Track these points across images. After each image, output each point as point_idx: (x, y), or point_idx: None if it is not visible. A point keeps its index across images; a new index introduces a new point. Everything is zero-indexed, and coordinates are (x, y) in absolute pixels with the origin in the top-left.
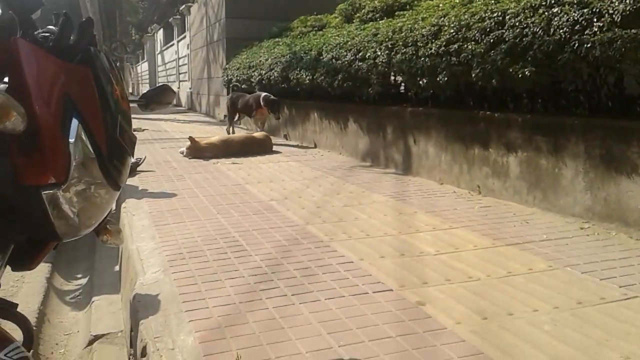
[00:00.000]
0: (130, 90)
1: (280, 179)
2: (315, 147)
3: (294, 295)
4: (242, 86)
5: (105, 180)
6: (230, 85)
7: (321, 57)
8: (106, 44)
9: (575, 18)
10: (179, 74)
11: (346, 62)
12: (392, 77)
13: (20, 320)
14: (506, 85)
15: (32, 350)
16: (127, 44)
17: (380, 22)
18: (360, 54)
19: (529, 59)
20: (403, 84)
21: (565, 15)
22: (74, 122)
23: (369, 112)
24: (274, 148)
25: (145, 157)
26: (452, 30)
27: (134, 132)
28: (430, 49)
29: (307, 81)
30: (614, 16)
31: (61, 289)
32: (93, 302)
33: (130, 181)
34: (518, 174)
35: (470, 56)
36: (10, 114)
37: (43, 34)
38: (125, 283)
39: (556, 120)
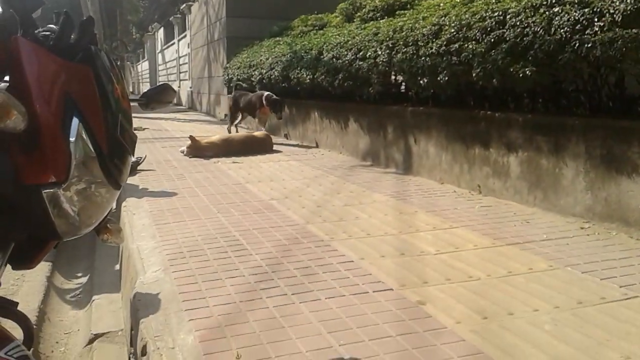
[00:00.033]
0: (131, 90)
1: (280, 178)
2: (316, 146)
3: (294, 294)
4: (244, 85)
5: (106, 179)
6: (232, 85)
7: (322, 57)
8: (107, 43)
9: (576, 18)
10: (180, 72)
11: (347, 62)
12: (393, 77)
13: (21, 319)
14: (507, 85)
15: (32, 349)
16: (128, 43)
17: (381, 21)
18: (360, 53)
19: (530, 58)
20: (404, 84)
21: (566, 15)
22: (75, 121)
23: (369, 112)
24: (275, 147)
25: (145, 156)
26: (452, 30)
27: (135, 131)
28: (431, 48)
29: (308, 80)
30: (614, 16)
31: (61, 288)
32: (93, 300)
33: (131, 180)
34: (519, 173)
35: (471, 56)
36: (10, 112)
37: (44, 33)
38: (125, 282)
39: (557, 120)
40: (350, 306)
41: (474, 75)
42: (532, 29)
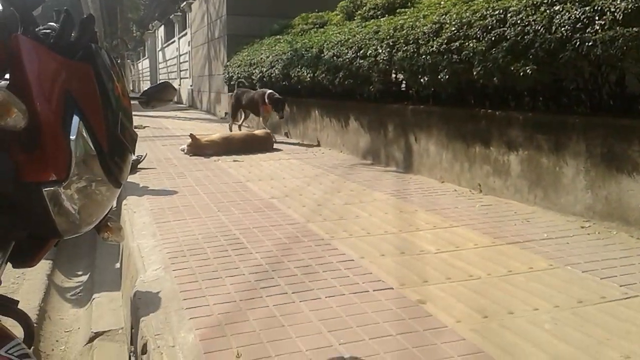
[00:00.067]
0: (131, 88)
1: (281, 177)
2: (316, 145)
3: (294, 293)
4: (246, 83)
5: (106, 178)
6: (232, 82)
7: (322, 55)
8: (107, 41)
9: (577, 16)
10: (180, 71)
11: (347, 60)
12: (393, 75)
13: (21, 317)
14: (507, 83)
15: (32, 347)
16: (128, 41)
17: (382, 19)
18: (361, 52)
19: (531, 57)
20: (404, 82)
21: (567, 13)
22: (75, 119)
23: (370, 110)
24: (275, 145)
25: (146, 154)
26: (453, 28)
27: (135, 129)
28: (432, 46)
29: (308, 79)
30: (615, 14)
31: (62, 286)
32: (94, 299)
33: (131, 178)
34: (519, 172)
35: (471, 54)
36: (11, 110)
37: (44, 31)
38: (125, 280)
39: (557, 119)
40: (351, 305)
41: (474, 73)
42: (533, 27)
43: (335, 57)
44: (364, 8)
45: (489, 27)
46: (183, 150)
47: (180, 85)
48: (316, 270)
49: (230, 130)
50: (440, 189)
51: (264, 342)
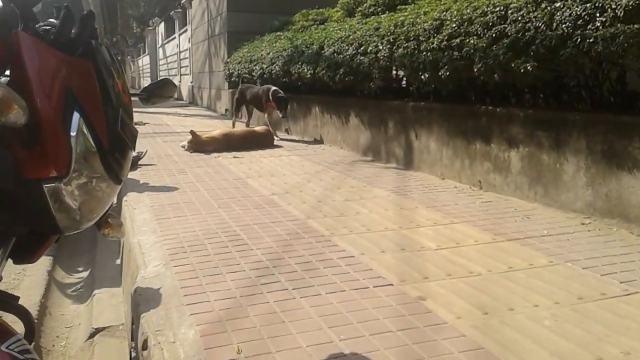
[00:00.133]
0: (130, 85)
1: (281, 173)
2: (316, 141)
3: (294, 289)
4: (249, 78)
5: (107, 174)
6: (232, 79)
7: (323, 51)
8: (107, 38)
9: (578, 13)
10: (180, 67)
11: (348, 57)
12: (394, 72)
13: (22, 313)
14: (508, 80)
15: (33, 343)
16: (129, 38)
17: (382, 16)
18: (362, 48)
19: (531, 53)
20: (405, 79)
21: (567, 10)
22: (75, 116)
23: (370, 107)
24: (275, 142)
25: (146, 150)
26: (454, 25)
27: (136, 126)
28: (432, 43)
29: (309, 75)
30: (616, 11)
31: (62, 282)
32: (94, 295)
33: (132, 175)
34: (519, 169)
35: (472, 51)
36: (11, 107)
37: (44, 27)
38: (126, 276)
39: (558, 116)
40: (351, 301)
41: (475, 70)
42: (534, 24)
43: (335, 54)
44: (365, 4)
45: (490, 24)
46: (183, 146)
47: (180, 81)
48: (316, 266)
49: (234, 125)
50: (440, 186)
51: (264, 338)
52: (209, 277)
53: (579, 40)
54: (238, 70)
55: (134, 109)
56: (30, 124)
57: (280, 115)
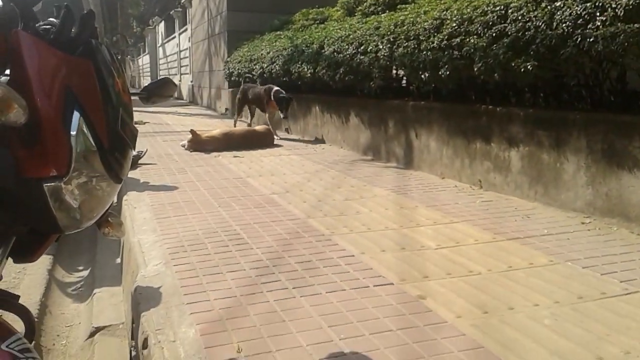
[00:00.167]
0: (130, 84)
1: (281, 173)
2: (317, 140)
3: (294, 288)
4: (251, 78)
5: (107, 173)
6: (232, 78)
7: (323, 51)
8: (107, 37)
9: (578, 12)
10: (181, 66)
11: (348, 56)
12: (394, 71)
13: (22, 312)
14: (508, 80)
15: (33, 342)
16: (129, 37)
17: (382, 15)
18: (362, 48)
19: (532, 53)
20: (405, 78)
21: (568, 9)
22: (75, 115)
23: (370, 106)
24: (275, 141)
25: (146, 150)
26: (454, 24)
27: (136, 125)
28: (432, 42)
29: (309, 75)
30: (616, 10)
31: (63, 281)
32: (94, 294)
33: (132, 174)
34: (519, 168)
35: (472, 50)
36: (11, 106)
37: (44, 27)
38: (126, 275)
39: (558, 115)
40: (351, 300)
41: (475, 69)
42: (534, 23)
43: (335, 53)
44: (365, 4)
45: (490, 23)
46: (183, 146)
47: (180, 81)
48: (317, 265)
49: (235, 125)
50: (440, 185)
51: (264, 337)
52: (209, 276)
53: (579, 39)
54: (238, 69)
55: (134, 108)
56: (30, 123)
57: (282, 116)
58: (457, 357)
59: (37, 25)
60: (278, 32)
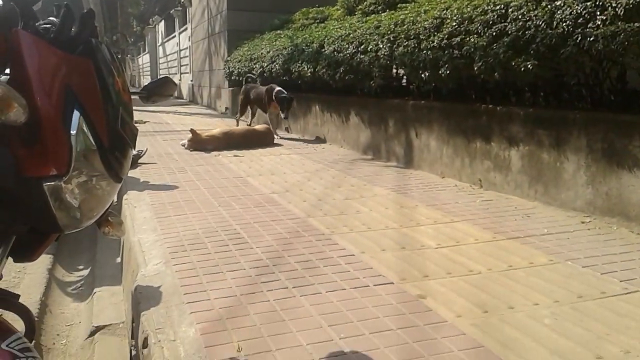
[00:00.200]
0: (130, 84)
1: (281, 172)
2: (317, 140)
3: (295, 287)
4: (254, 78)
5: (107, 172)
6: (232, 77)
7: (323, 50)
8: (107, 36)
9: (579, 11)
10: (181, 66)
11: (348, 55)
12: (394, 70)
13: (22, 311)
14: (508, 79)
15: (33, 341)
16: (129, 36)
17: (383, 14)
18: (362, 47)
19: (532, 52)
20: (405, 77)
21: (568, 9)
22: (75, 114)
23: (370, 105)
24: (275, 140)
25: (146, 149)
26: (454, 23)
27: (136, 124)
28: (433, 41)
29: (309, 74)
30: (617, 9)
31: (63, 280)
32: (95, 293)
33: (132, 173)
34: (520, 167)
35: (472, 49)
36: (11, 105)
37: (44, 26)
38: (126, 275)
39: (558, 114)
40: (351, 299)
41: (475, 68)
42: (534, 22)
43: (336, 52)
44: (365, 3)
45: (490, 22)
46: (183, 145)
47: (180, 80)
48: (317, 265)
49: (237, 124)
50: (440, 184)
51: (264, 336)
52: (209, 275)
53: (579, 38)
54: (238, 68)
55: (134, 108)
56: (30, 123)
57: (283, 116)
58: (457, 356)
59: (37, 24)
60: (278, 31)
